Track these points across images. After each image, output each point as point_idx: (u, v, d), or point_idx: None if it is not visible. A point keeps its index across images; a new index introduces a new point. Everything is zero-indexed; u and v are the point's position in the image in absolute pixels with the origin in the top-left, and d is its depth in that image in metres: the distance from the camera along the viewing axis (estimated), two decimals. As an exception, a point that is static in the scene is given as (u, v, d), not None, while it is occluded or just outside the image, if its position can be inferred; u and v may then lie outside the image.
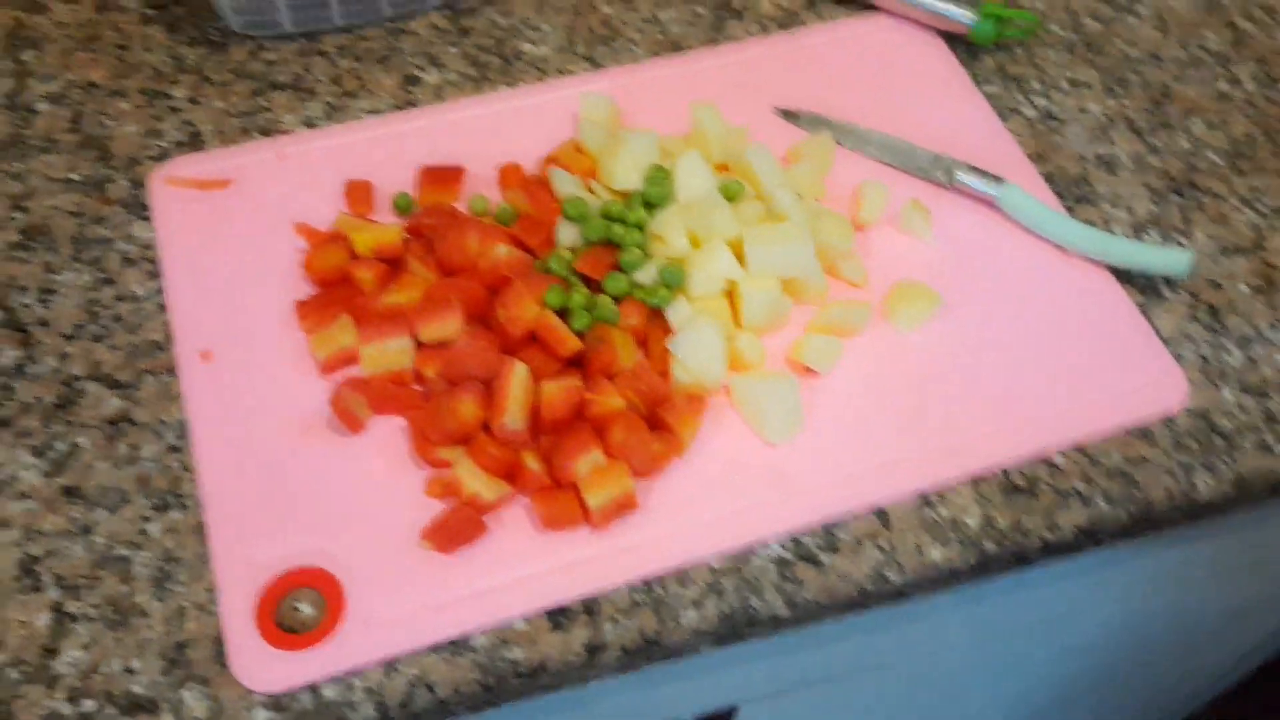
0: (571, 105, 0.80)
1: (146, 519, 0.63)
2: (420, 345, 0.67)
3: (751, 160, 0.74)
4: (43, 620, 0.60)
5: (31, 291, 0.70)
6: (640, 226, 0.70)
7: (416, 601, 0.61)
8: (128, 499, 0.63)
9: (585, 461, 0.63)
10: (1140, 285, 0.75)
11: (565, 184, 0.72)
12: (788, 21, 0.88)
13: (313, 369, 0.68)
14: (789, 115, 0.82)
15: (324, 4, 0.81)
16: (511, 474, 0.63)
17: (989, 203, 0.78)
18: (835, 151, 0.79)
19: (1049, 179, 0.80)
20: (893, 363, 0.71)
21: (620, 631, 0.61)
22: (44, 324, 0.69)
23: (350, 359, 0.68)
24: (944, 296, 0.73)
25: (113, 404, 0.66)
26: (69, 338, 0.69)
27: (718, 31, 0.87)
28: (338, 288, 0.70)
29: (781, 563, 0.64)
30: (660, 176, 0.71)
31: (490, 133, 0.79)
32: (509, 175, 0.76)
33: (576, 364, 0.67)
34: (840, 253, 0.73)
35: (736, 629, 0.63)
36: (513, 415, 0.62)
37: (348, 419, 0.65)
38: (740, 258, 0.70)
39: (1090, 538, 0.67)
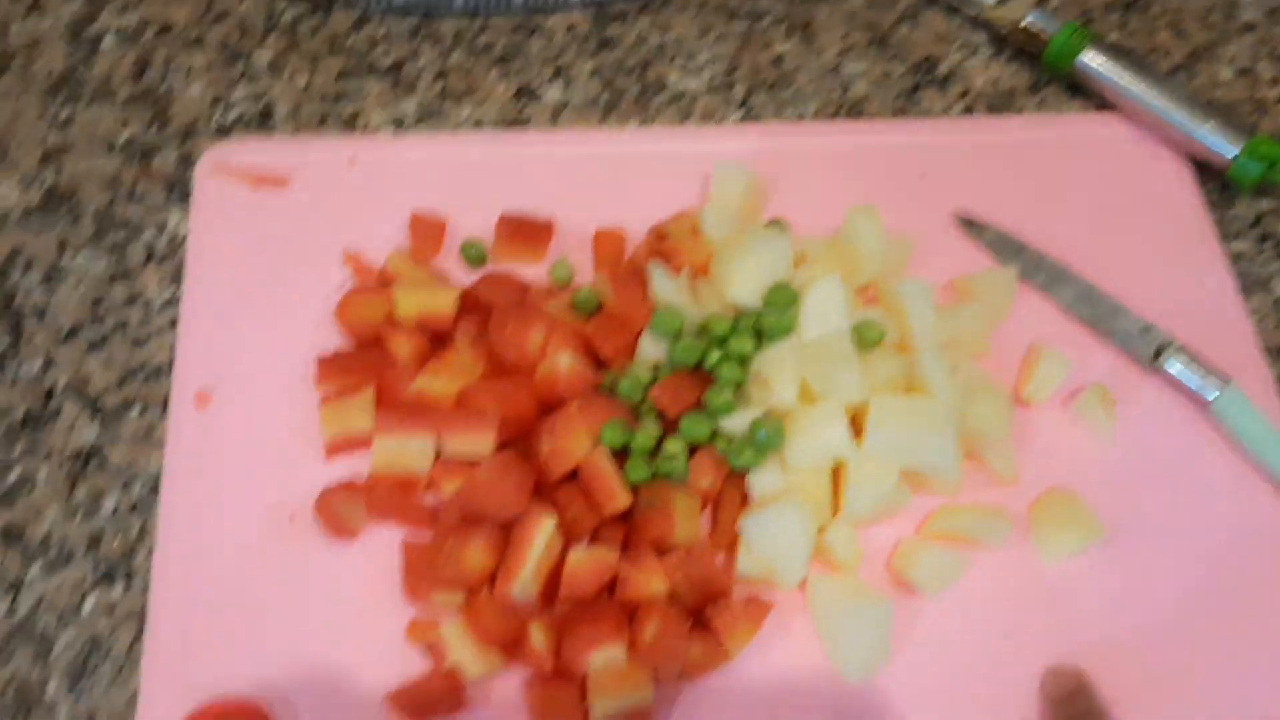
0: (706, 165, 0.64)
1: (84, 590, 0.52)
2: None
3: (905, 299, 0.57)
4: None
5: (36, 269, 0.60)
6: (743, 360, 0.55)
7: (360, 778, 0.49)
8: (70, 558, 0.53)
9: (601, 655, 0.49)
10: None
11: (665, 286, 0.56)
12: (1000, 103, 0.69)
13: (317, 444, 0.55)
14: (971, 226, 0.65)
15: (451, -21, 0.67)
16: (510, 645, 0.50)
17: (1201, 403, 0.59)
18: (1015, 293, 0.62)
19: (1285, 386, 0.61)
20: (1022, 596, 0.55)
21: None
22: (40, 314, 0.58)
23: (362, 444, 0.55)
24: (1111, 522, 0.56)
25: (87, 434, 0.56)
26: (62, 338, 0.58)
27: (910, 101, 0.69)
28: (370, 349, 0.57)
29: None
30: (783, 301, 0.55)
31: (601, 180, 0.64)
32: (606, 244, 0.61)
33: (620, 518, 0.53)
34: (989, 438, 0.56)
35: None
36: (524, 583, 0.49)
37: (336, 525, 0.53)
38: (858, 429, 0.54)
39: None
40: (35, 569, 0.52)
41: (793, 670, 0.52)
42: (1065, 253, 0.64)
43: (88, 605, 0.52)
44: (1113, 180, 0.67)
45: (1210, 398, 0.59)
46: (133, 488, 0.54)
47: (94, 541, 0.53)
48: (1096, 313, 0.62)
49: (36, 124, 0.63)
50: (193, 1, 0.69)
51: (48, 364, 0.57)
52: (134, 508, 0.54)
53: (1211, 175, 0.67)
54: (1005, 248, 0.64)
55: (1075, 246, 0.64)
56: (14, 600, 0.52)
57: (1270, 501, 0.58)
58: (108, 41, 0.67)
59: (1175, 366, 0.60)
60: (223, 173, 0.62)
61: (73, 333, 0.58)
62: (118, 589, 0.52)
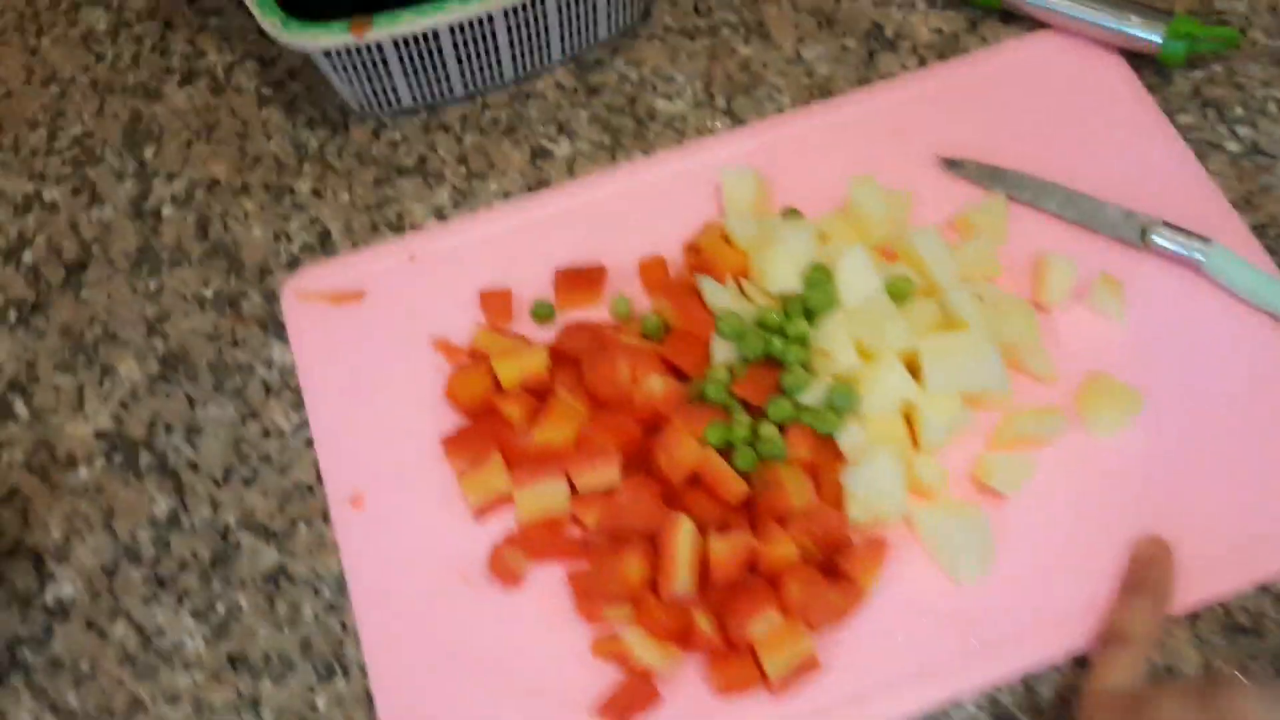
0: (713, 174, 0.70)
1: (312, 689, 0.59)
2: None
3: (920, 249, 0.63)
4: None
5: (178, 431, 0.65)
6: (802, 340, 0.61)
7: (592, 778, 0.56)
8: (292, 667, 0.59)
9: (761, 623, 0.55)
10: (1371, 358, 0.64)
11: (717, 295, 0.62)
12: (947, 49, 0.75)
13: (465, 511, 0.61)
14: (953, 164, 0.71)
15: (442, 74, 0.72)
16: (682, 636, 0.57)
17: (1192, 267, 0.66)
18: (1009, 216, 0.68)
19: (1259, 231, 0.67)
20: (1088, 476, 0.61)
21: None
22: (194, 467, 0.64)
23: (505, 501, 0.61)
24: (1145, 390, 0.62)
25: (269, 557, 0.62)
26: (219, 483, 0.64)
27: (869, 68, 0.75)
28: (485, 419, 0.63)
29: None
30: (821, 279, 0.62)
31: (627, 214, 0.70)
32: (651, 272, 0.67)
33: (741, 504, 0.59)
34: (1025, 348, 0.63)
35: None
36: (681, 580, 0.55)
37: (506, 576, 0.59)
38: (915, 371, 0.60)
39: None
40: (265, 684, 0.59)
41: (918, 591, 0.58)
42: (1040, 168, 0.69)
43: (320, 702, 0.58)
44: (1061, 90, 0.73)
45: (1200, 259, 0.65)
46: (322, 591, 0.60)
47: (306, 646, 0.59)
48: (1082, 213, 0.68)
49: (132, 301, 0.69)
50: (227, 153, 0.74)
51: (215, 507, 0.63)
52: (330, 608, 0.60)
53: (1145, 62, 0.73)
54: (988, 177, 0.70)
55: (1045, 159, 0.70)
56: (258, 715, 0.58)
57: (1271, 337, 0.64)
58: (167, 210, 0.72)
59: (1162, 241, 0.66)
60: (306, 299, 0.68)
61: (227, 476, 0.64)
62: (339, 682, 0.58)
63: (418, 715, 0.57)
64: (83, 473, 0.64)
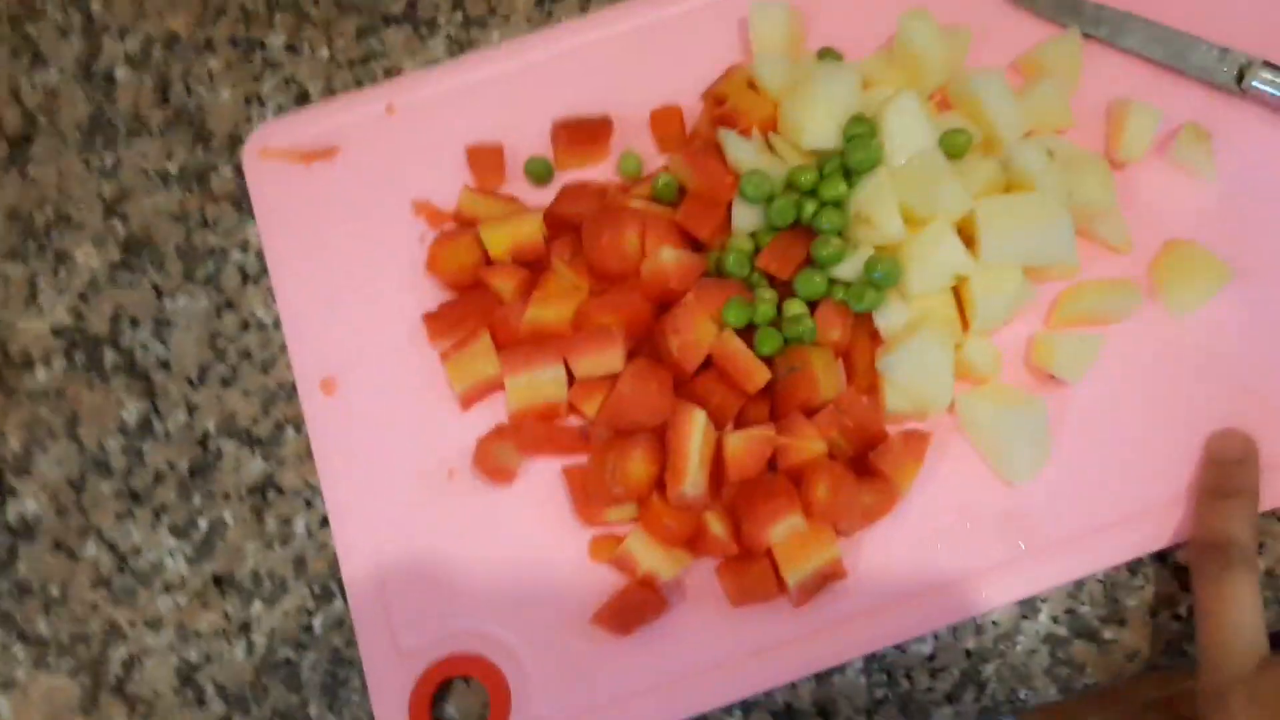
0: (739, 9, 0.60)
1: (309, 612, 0.53)
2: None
3: (980, 94, 0.53)
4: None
5: (145, 325, 0.58)
6: (839, 204, 0.52)
7: (593, 693, 0.50)
8: (285, 588, 0.53)
9: (782, 528, 0.49)
10: None
11: (741, 151, 0.53)
12: None
13: (451, 399, 0.54)
14: (1020, -3, 0.60)
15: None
16: (692, 541, 0.50)
17: (1296, 115, 0.56)
18: (1083, 56, 0.58)
19: (1380, 74, 0.57)
20: (1164, 359, 0.53)
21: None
22: (165, 366, 0.57)
23: (494, 388, 0.54)
24: (1234, 262, 0.53)
25: (254, 467, 0.55)
26: (194, 383, 0.57)
27: (923, -119, 0.63)
28: (472, 294, 0.55)
29: (1053, 640, 0.50)
30: (864, 133, 0.52)
31: (638, 57, 0.60)
32: (665, 124, 0.58)
33: (763, 393, 0.51)
34: (1098, 211, 0.54)
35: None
36: (693, 480, 0.48)
37: (497, 473, 0.52)
38: (970, 240, 0.51)
39: None
40: (257, 606, 0.53)
41: (962, 490, 0.51)
42: (1121, -2, 0.59)
43: (317, 625, 0.53)
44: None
45: (1309, 104, 0.55)
46: (315, 504, 0.54)
47: (300, 565, 0.53)
48: (1169, 51, 0.58)
49: (86, 178, 0.60)
50: (186, 3, 0.63)
51: (191, 411, 0.56)
52: (325, 522, 0.54)
53: None
54: (1059, 9, 0.59)
55: (1129, -14, 0.59)
56: (249, 641, 0.52)
57: (1389, 197, 0.55)
58: (120, 72, 0.62)
59: (1262, 85, 0.56)
60: (270, 157, 0.59)
61: (203, 375, 0.57)
62: (338, 603, 0.53)
63: (396, 626, 0.51)
64: (40, 375, 0.58)
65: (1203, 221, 0.55)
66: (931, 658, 0.50)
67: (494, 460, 0.52)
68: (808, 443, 0.49)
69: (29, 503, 0.55)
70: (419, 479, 0.53)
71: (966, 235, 0.52)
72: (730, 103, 0.56)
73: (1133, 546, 0.50)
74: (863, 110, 0.54)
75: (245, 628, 0.53)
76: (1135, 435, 0.52)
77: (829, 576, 0.49)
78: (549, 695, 0.50)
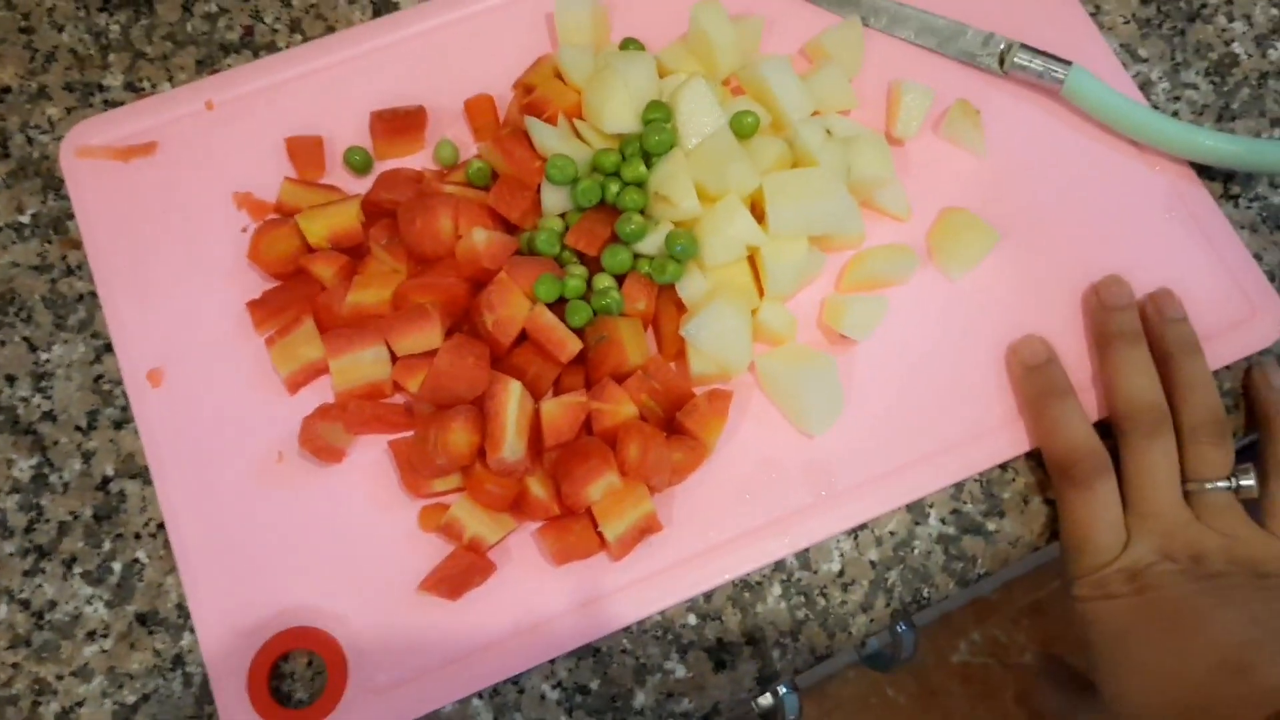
0: (546, 3, 0.62)
1: (243, 633, 0.52)
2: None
3: (768, 79, 0.57)
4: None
5: (23, 381, 0.56)
6: (640, 184, 0.55)
7: (427, 657, 0.51)
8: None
9: (598, 487, 0.51)
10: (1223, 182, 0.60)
11: (547, 136, 0.55)
12: None
13: (277, 383, 0.55)
14: (807, -12, 0.64)
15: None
16: (515, 505, 0.52)
17: (1053, 92, 0.61)
18: (864, 42, 0.62)
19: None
20: (942, 317, 0.57)
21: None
22: (50, 418, 0.55)
23: (319, 371, 0.55)
24: (1002, 224, 0.58)
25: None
26: (84, 430, 0.55)
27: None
28: (294, 281, 0.56)
29: (945, 540, 0.53)
30: (660, 118, 0.55)
31: (452, 49, 0.61)
32: (479, 113, 0.59)
33: (575, 362, 0.54)
34: (878, 184, 0.57)
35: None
36: (511, 446, 0.50)
37: (325, 453, 0.53)
38: (759, 213, 0.55)
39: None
40: (186, 638, 0.52)
41: (765, 444, 0.54)
42: (898, -11, 0.63)
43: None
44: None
45: (1060, 78, 0.60)
46: None
47: None
48: (939, 37, 0.63)
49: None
50: (13, 54, 0.62)
51: (87, 458, 0.55)
52: None
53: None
54: (842, 4, 0.64)
55: (905, -20, 0.64)
56: (184, 673, 0.52)
57: (1132, 164, 0.60)
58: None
59: (1023, 63, 0.61)
60: (89, 155, 0.59)
61: (92, 421, 0.55)
62: None
63: (234, 607, 0.52)
64: (-81, 447, 0.55)
65: (973, 190, 0.60)
66: (841, 573, 0.53)
67: (321, 440, 0.53)
68: (619, 406, 0.52)
69: (-69, 575, 0.53)
70: (249, 464, 0.54)
71: (758, 210, 0.55)
72: (538, 91, 0.58)
73: (924, 486, 0.54)
74: (659, 96, 0.56)
75: (178, 660, 0.52)
76: (920, 385, 0.56)
77: (645, 530, 0.52)
78: (385, 663, 0.51)
